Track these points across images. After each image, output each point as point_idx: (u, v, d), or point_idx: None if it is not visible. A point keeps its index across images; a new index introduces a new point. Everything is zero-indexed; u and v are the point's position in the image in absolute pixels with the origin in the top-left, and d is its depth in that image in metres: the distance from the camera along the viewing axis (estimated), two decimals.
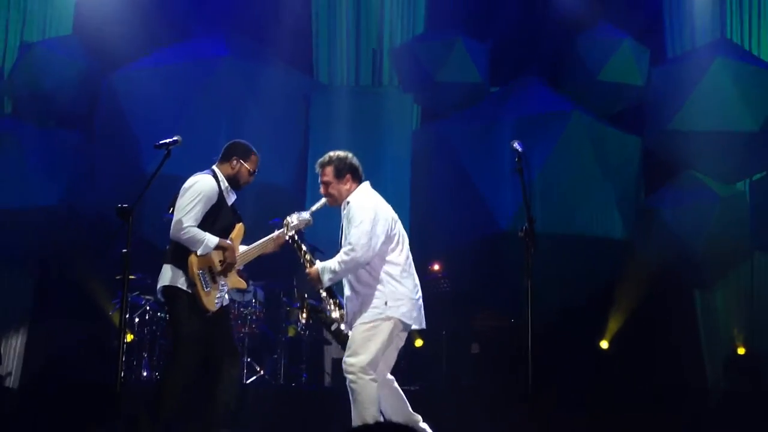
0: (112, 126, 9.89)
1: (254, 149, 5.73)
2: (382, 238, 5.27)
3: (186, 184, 5.54)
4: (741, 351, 9.79)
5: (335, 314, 5.46)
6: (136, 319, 8.44)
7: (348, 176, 5.45)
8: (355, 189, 5.46)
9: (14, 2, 10.11)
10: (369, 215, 5.26)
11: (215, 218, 5.51)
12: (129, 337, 8.35)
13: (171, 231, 5.43)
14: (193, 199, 5.44)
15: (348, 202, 5.40)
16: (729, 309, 10.10)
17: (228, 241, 5.52)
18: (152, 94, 9.63)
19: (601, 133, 9.96)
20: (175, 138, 5.53)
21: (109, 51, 9.92)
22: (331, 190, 5.46)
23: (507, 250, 9.24)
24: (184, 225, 5.38)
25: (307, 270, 5.42)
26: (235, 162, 5.64)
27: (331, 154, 5.50)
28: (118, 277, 5.42)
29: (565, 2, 10.23)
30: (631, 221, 9.96)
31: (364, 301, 5.30)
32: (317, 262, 5.39)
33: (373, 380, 5.22)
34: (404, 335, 5.44)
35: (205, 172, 5.62)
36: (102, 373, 8.81)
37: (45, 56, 9.74)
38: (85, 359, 9.06)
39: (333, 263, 5.26)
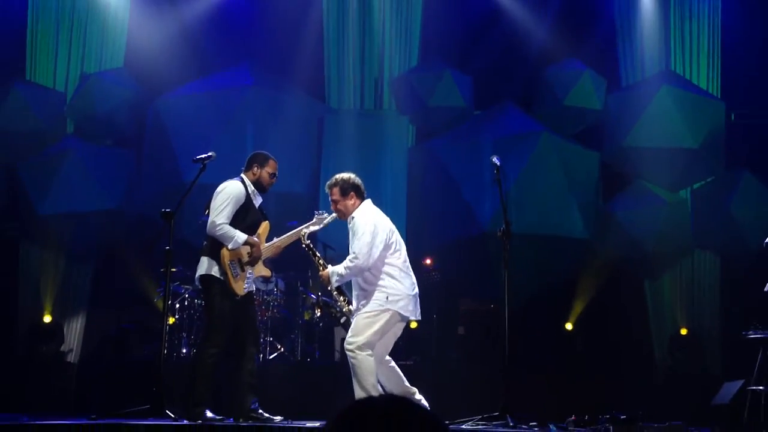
0: (157, 144, 9.89)
1: (272, 156, 5.74)
2: (380, 247, 5.33)
3: (218, 189, 5.59)
4: (683, 332, 9.75)
5: (345, 309, 5.52)
6: (177, 305, 8.43)
7: (352, 194, 5.50)
8: (359, 205, 5.50)
9: (75, 38, 10.06)
10: (369, 229, 5.32)
11: (244, 216, 5.55)
12: (171, 320, 8.35)
13: (207, 228, 5.46)
14: (224, 201, 5.47)
15: (353, 217, 5.45)
16: (673, 296, 10.06)
17: (254, 238, 5.55)
18: (190, 117, 9.62)
19: (566, 150, 9.93)
20: (209, 153, 5.57)
21: (155, 81, 9.91)
22: (339, 207, 5.52)
23: (487, 246, 9.24)
24: (218, 223, 5.41)
25: (320, 273, 5.51)
26: (256, 168, 5.67)
27: (337, 176, 5.56)
28: (162, 270, 5.41)
29: (536, 40, 10.23)
30: (591, 223, 9.93)
31: (368, 297, 5.36)
32: (328, 266, 5.48)
33: (369, 355, 5.24)
34: (401, 325, 5.48)
35: (234, 178, 5.65)
36: (148, 350, 8.84)
37: (100, 85, 9.72)
38: (133, 339, 9.05)
39: (340, 268, 5.35)
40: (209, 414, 5.34)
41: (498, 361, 5.93)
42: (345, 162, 10.16)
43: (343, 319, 5.55)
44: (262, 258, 5.64)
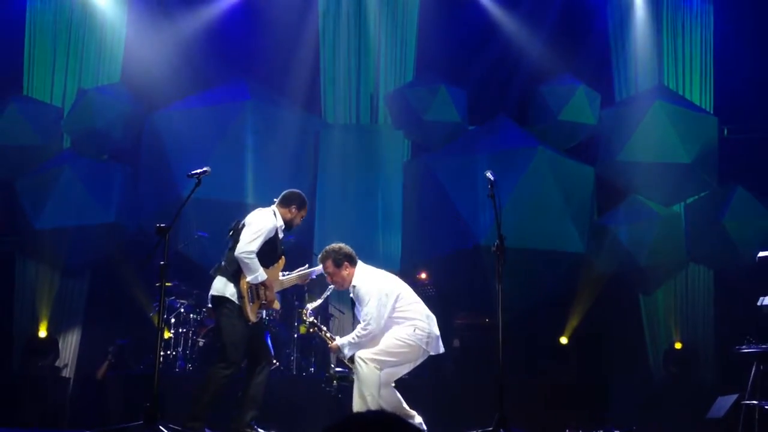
0: (153, 158, 9.89)
1: (307, 200, 5.80)
2: (388, 308, 5.42)
3: (251, 217, 5.59)
4: (678, 345, 9.76)
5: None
6: (173, 320, 8.41)
7: (345, 264, 5.56)
8: (354, 272, 5.56)
9: (72, 53, 10.09)
10: (374, 294, 5.42)
11: (268, 250, 5.56)
12: (167, 335, 8.32)
13: (237, 251, 5.44)
14: (258, 231, 5.48)
15: (354, 286, 5.53)
16: (668, 310, 10.08)
17: (270, 280, 5.56)
18: (187, 132, 9.64)
19: (561, 164, 9.96)
20: (205, 169, 5.57)
21: (151, 96, 9.94)
22: (336, 279, 5.59)
23: (482, 260, 9.25)
24: (250, 251, 5.40)
25: (329, 345, 5.61)
26: (294, 209, 5.71)
27: (327, 248, 5.63)
28: (157, 285, 5.41)
29: (532, 55, 10.29)
30: (586, 237, 9.96)
31: (395, 329, 5.45)
32: (336, 338, 5.57)
33: (377, 369, 5.27)
34: (419, 361, 5.55)
35: (266, 209, 5.67)
36: (143, 364, 8.81)
37: (97, 100, 9.72)
38: (128, 353, 9.01)
39: (352, 337, 5.44)
40: (207, 431, 5.32)
41: (493, 375, 5.93)
42: (341, 176, 10.22)
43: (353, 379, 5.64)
44: (274, 292, 5.70)
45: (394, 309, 5.43)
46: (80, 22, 10.10)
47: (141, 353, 8.99)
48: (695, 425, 7.35)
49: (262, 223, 5.50)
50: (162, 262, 5.20)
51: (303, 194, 5.80)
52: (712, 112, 10.25)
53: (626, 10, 10.35)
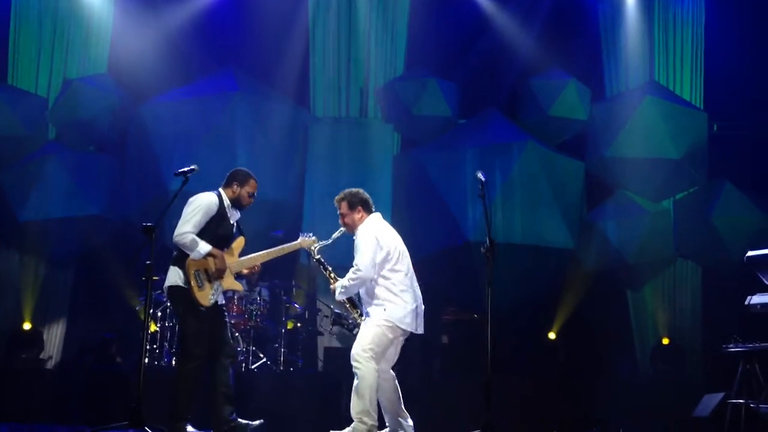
0: (139, 150, 9.82)
1: (253, 175, 5.71)
2: (378, 261, 5.40)
3: (190, 199, 5.56)
4: (665, 341, 9.80)
5: (358, 321, 5.62)
6: (159, 313, 8.37)
7: (359, 208, 5.58)
8: (365, 219, 5.58)
9: (58, 42, 9.98)
10: (371, 242, 5.42)
11: (215, 229, 5.51)
12: (153, 328, 8.28)
13: (173, 236, 5.41)
14: (193, 211, 5.45)
15: (357, 232, 5.53)
16: (656, 306, 10.12)
17: (218, 250, 5.48)
18: (174, 124, 9.57)
19: (551, 159, 9.97)
20: (192, 167, 5.54)
21: (138, 87, 9.85)
22: (347, 221, 5.61)
23: (471, 257, 9.25)
24: (183, 231, 5.37)
25: (331, 285, 5.61)
26: (236, 187, 5.65)
27: (346, 191, 5.66)
28: (143, 279, 5.36)
29: (522, 50, 10.27)
30: (575, 232, 9.98)
31: (371, 309, 5.45)
32: (339, 280, 5.55)
33: (375, 370, 5.27)
34: (402, 339, 5.49)
35: (210, 191, 5.62)
36: (128, 358, 8.77)
37: (83, 91, 9.63)
38: (114, 347, 8.97)
39: (344, 281, 5.46)
40: (190, 429, 5.29)
41: (481, 371, 5.93)
42: (330, 170, 10.18)
43: (355, 331, 5.67)
44: (233, 272, 5.59)
45: (383, 266, 5.39)
46: (66, 11, 9.98)
47: (126, 347, 8.95)
48: (682, 423, 7.38)
49: (198, 200, 5.47)
50: (148, 262, 5.18)
51: (246, 170, 5.72)
52: (702, 107, 10.27)
53: (618, 6, 10.34)
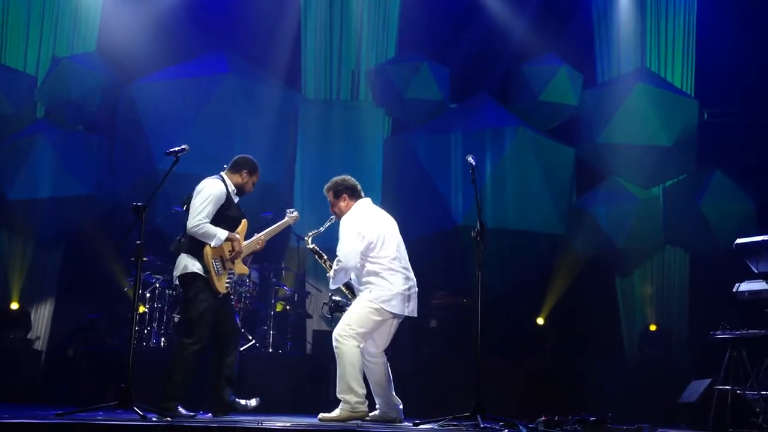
0: (129, 130, 9.72)
1: (259, 166, 5.74)
2: (361, 249, 5.36)
3: (198, 188, 5.53)
4: (653, 327, 9.85)
5: None
6: (147, 295, 8.34)
7: (344, 196, 5.58)
8: (352, 206, 5.55)
9: (47, 20, 9.84)
10: (351, 230, 5.40)
11: (225, 215, 5.53)
12: (141, 309, 8.25)
13: (188, 227, 5.40)
14: (205, 200, 5.44)
15: (341, 220, 5.53)
16: (644, 293, 10.17)
17: (236, 234, 5.54)
18: (164, 104, 9.48)
19: (542, 145, 9.96)
20: (183, 147, 5.51)
21: (127, 66, 9.74)
22: (334, 209, 5.63)
23: (460, 241, 9.25)
24: (200, 222, 5.35)
25: (327, 274, 5.63)
26: (244, 174, 5.68)
27: (332, 179, 5.65)
28: (132, 259, 5.33)
29: (515, 34, 10.23)
30: (564, 218, 9.99)
31: (360, 292, 5.45)
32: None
33: (356, 347, 5.26)
34: (393, 323, 5.45)
35: (214, 177, 5.62)
36: (117, 339, 8.73)
37: (72, 69, 9.51)
38: (102, 327, 8.93)
39: (331, 271, 5.51)
40: (181, 410, 5.27)
41: (470, 355, 5.94)
42: (320, 152, 10.13)
43: None
44: (244, 254, 5.65)
45: (367, 253, 5.36)
46: None
47: (114, 327, 8.91)
48: (669, 409, 7.42)
49: (208, 190, 5.46)
50: (138, 241, 5.14)
51: (253, 158, 5.74)
52: (692, 95, 10.27)
53: None
